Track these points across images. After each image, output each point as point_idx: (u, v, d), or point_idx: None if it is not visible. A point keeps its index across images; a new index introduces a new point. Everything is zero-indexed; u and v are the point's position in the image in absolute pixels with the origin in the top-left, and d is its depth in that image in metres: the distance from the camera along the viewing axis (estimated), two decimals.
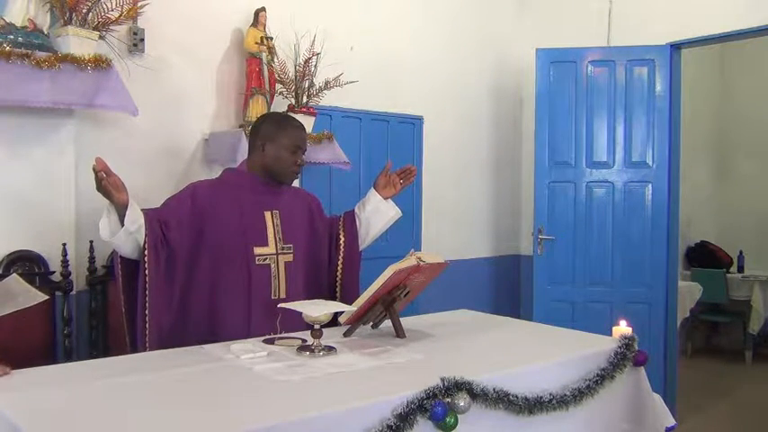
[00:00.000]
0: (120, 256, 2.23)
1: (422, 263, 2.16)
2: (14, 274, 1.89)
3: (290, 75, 3.33)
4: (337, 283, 2.63)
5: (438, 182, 4.32)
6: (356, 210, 2.69)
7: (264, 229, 2.41)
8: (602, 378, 1.99)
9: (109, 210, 2.13)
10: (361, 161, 3.85)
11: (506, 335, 2.36)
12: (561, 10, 4.59)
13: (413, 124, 4.20)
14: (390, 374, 1.79)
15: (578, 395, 1.92)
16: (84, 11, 2.61)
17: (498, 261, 4.76)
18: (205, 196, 2.36)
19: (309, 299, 2.38)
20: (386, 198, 2.68)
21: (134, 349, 2.26)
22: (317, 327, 1.95)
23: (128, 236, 2.14)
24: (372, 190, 2.69)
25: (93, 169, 2.03)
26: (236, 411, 1.47)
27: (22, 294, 1.85)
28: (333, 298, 2.57)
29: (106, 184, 2.04)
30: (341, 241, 2.64)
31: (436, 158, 4.30)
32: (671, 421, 2.22)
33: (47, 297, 1.95)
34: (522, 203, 4.85)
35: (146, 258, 2.17)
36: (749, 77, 6.62)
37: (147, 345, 2.18)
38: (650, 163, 4.11)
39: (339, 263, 2.63)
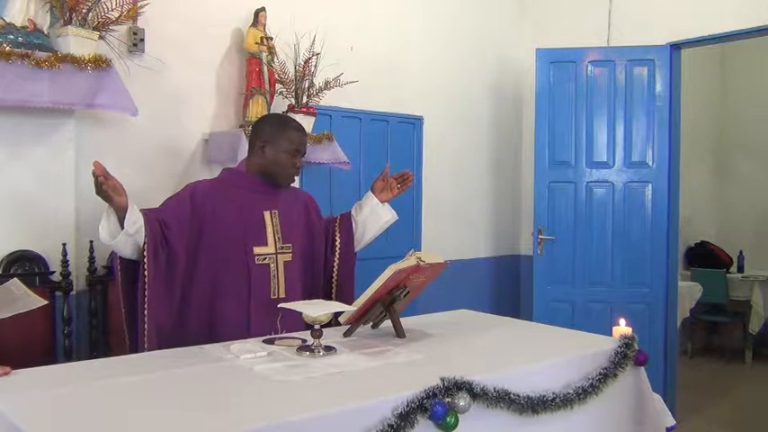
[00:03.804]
0: (120, 257, 2.23)
1: (422, 263, 2.16)
2: (15, 278, 1.89)
3: (290, 75, 3.33)
4: (333, 284, 2.63)
5: (438, 182, 4.32)
6: (352, 212, 2.70)
7: (264, 229, 2.42)
8: (602, 378, 1.99)
9: (108, 213, 2.13)
10: (360, 161, 3.85)
11: (506, 335, 2.36)
12: (561, 10, 4.59)
13: (413, 124, 4.20)
14: (390, 374, 1.79)
15: (579, 395, 1.92)
16: (84, 11, 2.61)
17: (498, 261, 4.76)
18: (204, 196, 2.36)
19: (308, 298, 2.39)
20: (383, 201, 2.68)
21: (134, 349, 2.25)
22: (316, 327, 1.95)
23: (127, 238, 2.14)
24: (369, 193, 2.69)
25: (93, 174, 2.04)
26: (236, 411, 1.47)
27: (22, 299, 1.85)
28: (329, 298, 2.57)
29: (106, 188, 2.04)
30: (336, 242, 2.64)
31: (436, 158, 4.30)
32: (671, 421, 2.22)
33: (46, 302, 1.95)
34: (522, 203, 4.85)
35: (146, 259, 2.17)
36: (749, 77, 6.62)
37: (147, 345, 2.18)
38: (650, 163, 4.11)
39: (335, 263, 2.63)
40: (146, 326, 2.19)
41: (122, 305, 2.28)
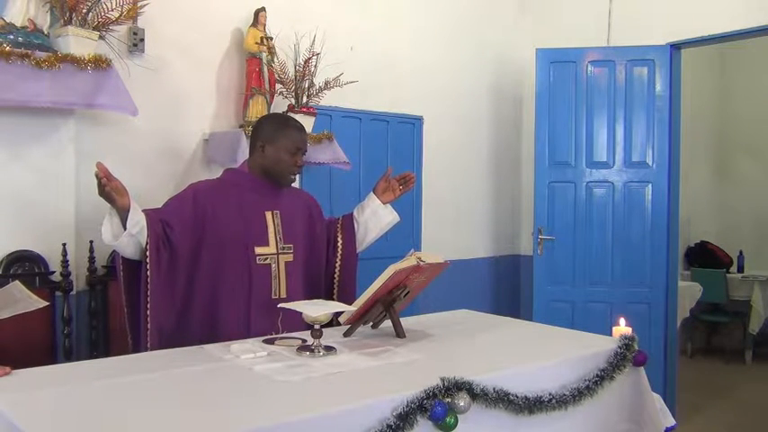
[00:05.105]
0: (122, 257, 2.23)
1: (422, 263, 2.16)
2: (17, 281, 1.89)
3: (290, 75, 3.33)
4: (335, 285, 2.64)
5: (438, 182, 4.32)
6: (355, 213, 2.70)
7: (265, 229, 2.42)
8: (601, 378, 1.99)
9: (111, 213, 2.14)
10: (361, 161, 3.85)
11: (506, 335, 2.36)
12: (561, 10, 4.59)
13: (413, 124, 4.20)
14: (390, 374, 1.79)
15: (578, 395, 1.92)
16: (84, 11, 2.61)
17: (498, 261, 4.76)
18: (206, 196, 2.36)
19: (309, 299, 2.38)
20: (385, 203, 2.68)
21: (136, 349, 2.27)
22: (317, 327, 1.95)
23: (130, 238, 2.15)
24: (371, 194, 2.69)
25: (96, 175, 2.04)
26: (236, 411, 1.47)
27: (23, 301, 1.85)
28: (330, 298, 2.57)
29: (109, 189, 2.05)
30: (338, 243, 2.64)
31: (436, 159, 4.30)
32: (671, 421, 2.22)
33: (46, 304, 1.95)
34: (522, 203, 4.85)
35: (148, 259, 2.18)
36: (749, 77, 6.62)
37: (149, 344, 2.19)
38: (650, 163, 4.11)
39: (337, 265, 2.63)
40: (148, 325, 2.19)
41: (125, 305, 2.29)
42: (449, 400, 1.60)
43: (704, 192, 6.60)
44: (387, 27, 4.02)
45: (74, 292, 2.75)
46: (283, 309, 2.10)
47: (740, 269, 6.20)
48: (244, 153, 2.90)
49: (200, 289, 2.32)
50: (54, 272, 2.69)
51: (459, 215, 4.49)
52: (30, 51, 2.46)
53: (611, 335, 2.20)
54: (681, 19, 3.99)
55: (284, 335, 2.21)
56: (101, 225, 2.15)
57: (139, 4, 2.78)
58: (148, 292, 2.19)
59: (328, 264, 2.65)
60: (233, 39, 3.32)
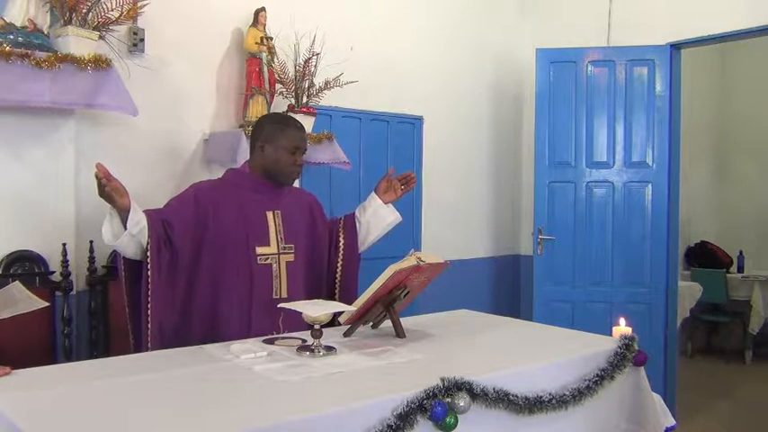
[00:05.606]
0: (124, 257, 2.24)
1: (422, 263, 2.16)
2: (17, 282, 1.90)
3: (290, 75, 3.33)
4: (336, 285, 2.64)
5: (438, 182, 4.32)
6: (356, 213, 2.70)
7: (266, 229, 2.42)
8: (601, 378, 1.99)
9: (111, 214, 2.14)
10: (360, 161, 3.85)
11: (506, 335, 2.36)
12: (561, 10, 4.59)
13: (413, 124, 4.20)
14: (390, 374, 1.79)
15: (578, 395, 1.92)
16: (84, 11, 2.61)
17: (498, 261, 4.76)
18: (207, 197, 2.37)
19: (310, 299, 2.38)
20: (386, 203, 2.68)
21: (138, 349, 2.27)
22: (316, 327, 1.95)
23: (131, 239, 2.15)
24: (373, 194, 2.69)
25: (96, 176, 2.04)
26: (236, 411, 1.47)
27: (23, 301, 1.86)
28: (332, 298, 2.57)
29: (109, 190, 2.05)
30: (340, 243, 2.64)
31: (436, 158, 4.30)
32: (671, 421, 2.22)
33: (47, 304, 1.96)
34: (522, 203, 4.85)
35: (149, 259, 2.18)
36: (749, 77, 6.62)
37: (150, 344, 2.19)
38: (650, 163, 4.11)
39: (338, 264, 2.63)
40: (149, 325, 2.20)
41: (126, 305, 2.30)
42: (449, 400, 1.60)
43: (704, 192, 6.61)
44: (387, 27, 4.02)
45: (74, 292, 2.75)
46: (284, 309, 2.10)
47: (740, 269, 6.20)
48: (244, 153, 2.90)
49: (201, 289, 2.32)
50: (54, 272, 2.69)
51: (459, 215, 4.49)
52: (30, 51, 2.46)
53: (611, 335, 2.20)
54: (681, 19, 3.99)
55: (284, 335, 2.21)
56: (101, 225, 2.16)
57: (139, 4, 2.78)
58: (149, 293, 2.19)
59: (330, 264, 2.65)
60: (233, 39, 3.32)
